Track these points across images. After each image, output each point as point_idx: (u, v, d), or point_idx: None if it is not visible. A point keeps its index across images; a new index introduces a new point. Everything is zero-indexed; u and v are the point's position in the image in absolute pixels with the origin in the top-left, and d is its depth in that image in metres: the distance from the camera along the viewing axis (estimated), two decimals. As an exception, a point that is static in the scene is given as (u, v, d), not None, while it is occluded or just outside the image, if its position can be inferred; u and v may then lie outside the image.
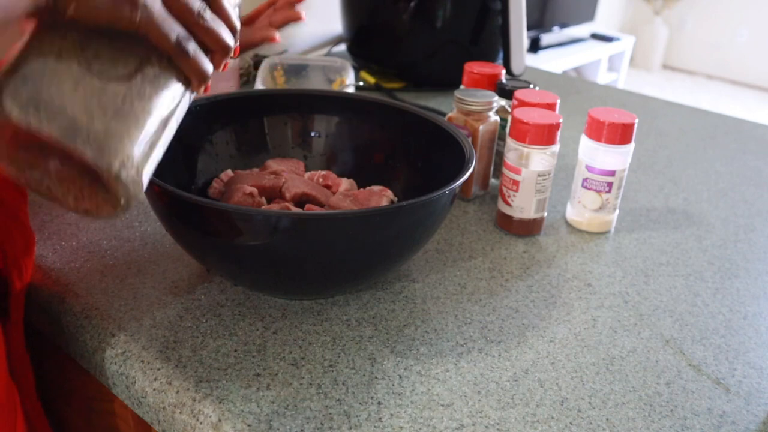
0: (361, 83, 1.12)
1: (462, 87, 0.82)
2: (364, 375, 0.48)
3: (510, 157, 0.68)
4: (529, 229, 0.69)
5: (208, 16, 0.42)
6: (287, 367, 0.48)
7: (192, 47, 0.42)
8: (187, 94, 0.43)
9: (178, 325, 0.52)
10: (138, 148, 0.40)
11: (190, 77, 0.43)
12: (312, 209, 0.60)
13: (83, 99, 0.38)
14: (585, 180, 0.69)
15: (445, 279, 0.61)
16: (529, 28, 2.64)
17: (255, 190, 0.59)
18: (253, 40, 0.76)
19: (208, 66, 0.43)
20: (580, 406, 0.47)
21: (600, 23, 4.14)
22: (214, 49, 0.43)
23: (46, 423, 0.60)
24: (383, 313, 0.55)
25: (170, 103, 0.42)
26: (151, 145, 0.41)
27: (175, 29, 0.41)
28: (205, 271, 0.59)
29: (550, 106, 0.70)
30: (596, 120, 0.67)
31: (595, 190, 0.69)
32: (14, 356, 0.56)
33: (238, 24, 0.45)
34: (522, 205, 0.68)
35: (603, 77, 3.31)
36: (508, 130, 0.68)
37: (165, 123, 0.42)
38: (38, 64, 0.38)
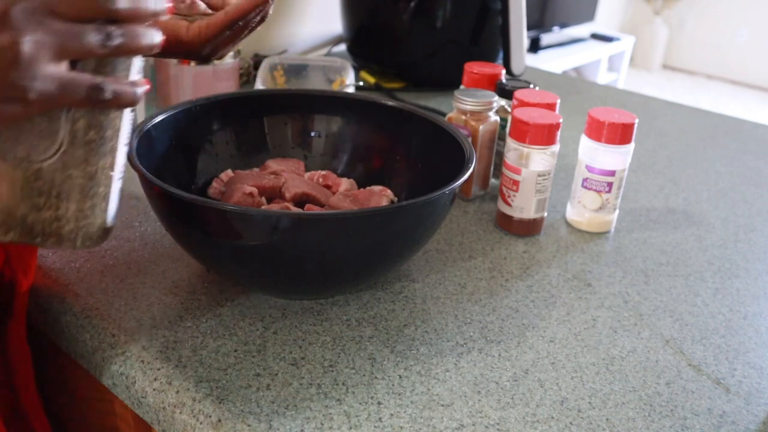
0: (361, 83, 1.12)
1: (462, 87, 0.82)
2: (364, 375, 0.48)
3: (510, 157, 0.68)
4: (529, 229, 0.69)
5: (116, 35, 0.37)
6: (287, 367, 0.48)
7: (108, 90, 0.38)
8: (126, 111, 0.41)
9: (178, 325, 0.52)
10: (92, 213, 0.40)
11: (120, 109, 0.40)
12: (312, 209, 0.60)
13: (22, 194, 0.39)
14: (585, 180, 0.69)
15: (445, 279, 0.61)
16: (529, 28, 2.64)
17: (255, 190, 0.59)
18: (245, 9, 0.58)
19: (135, 91, 0.39)
20: (580, 406, 0.47)
21: (600, 23, 4.14)
22: (140, 54, 0.39)
23: (46, 422, 0.60)
24: (383, 313, 0.55)
25: (109, 143, 0.40)
26: (104, 196, 0.41)
27: (79, 84, 0.37)
28: (205, 271, 0.59)
29: (550, 106, 0.70)
30: (596, 120, 0.67)
31: (595, 190, 0.69)
32: (16, 354, 0.56)
33: (161, 4, 0.39)
34: (522, 205, 0.68)
35: (603, 77, 3.31)
36: (508, 130, 0.68)
37: (112, 164, 0.41)
38: None
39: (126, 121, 0.42)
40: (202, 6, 0.58)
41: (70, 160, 0.39)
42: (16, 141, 0.38)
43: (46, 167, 0.39)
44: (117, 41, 0.37)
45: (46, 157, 0.39)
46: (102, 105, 0.38)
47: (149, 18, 0.39)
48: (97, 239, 0.41)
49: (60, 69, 0.36)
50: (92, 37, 0.36)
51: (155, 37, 0.39)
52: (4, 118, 0.37)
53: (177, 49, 0.55)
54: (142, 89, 0.40)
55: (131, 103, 0.39)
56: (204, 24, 0.55)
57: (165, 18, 0.40)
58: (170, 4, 0.41)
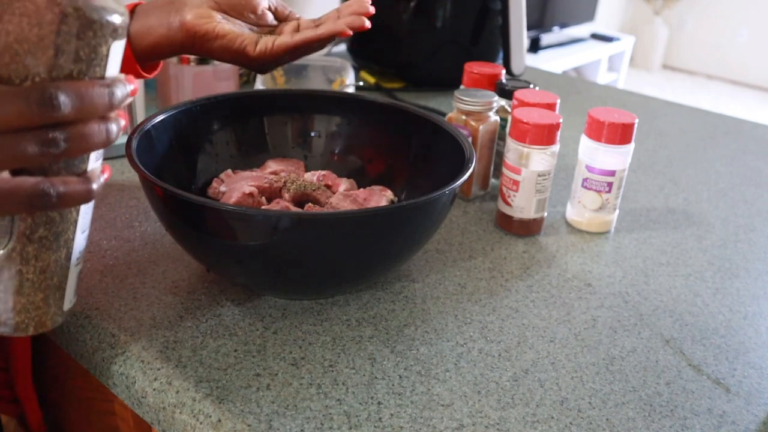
0: (361, 83, 1.12)
1: (462, 87, 0.82)
2: (364, 375, 0.48)
3: (510, 157, 0.68)
4: (529, 229, 0.69)
5: (60, 140, 0.33)
6: (287, 367, 0.48)
7: (53, 195, 0.33)
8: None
9: (178, 325, 0.52)
10: (44, 304, 0.39)
11: (72, 206, 0.36)
12: (312, 209, 0.60)
13: None
14: (585, 180, 0.69)
15: (445, 279, 0.61)
16: (529, 28, 2.64)
17: (255, 190, 0.60)
18: (319, 36, 0.60)
19: (89, 189, 0.35)
20: (580, 406, 0.47)
21: (600, 23, 4.14)
22: (95, 149, 0.35)
23: (38, 411, 0.61)
24: (383, 313, 0.55)
25: (63, 236, 0.38)
26: (58, 287, 0.39)
27: (18, 194, 0.32)
28: (205, 271, 0.59)
29: (550, 106, 0.70)
30: (596, 120, 0.67)
31: (595, 190, 0.69)
32: (17, 342, 0.57)
33: (119, 93, 0.35)
34: (522, 205, 0.68)
35: (603, 77, 3.31)
36: (508, 130, 0.68)
37: (67, 255, 0.39)
38: None
39: (84, 209, 0.39)
40: (270, 17, 0.62)
41: (18, 257, 0.37)
42: None
43: None
44: (62, 147, 0.33)
45: None
46: (49, 209, 0.34)
47: (105, 113, 0.35)
48: (52, 324, 0.40)
49: None
50: (30, 149, 0.32)
51: (112, 132, 0.35)
52: None
53: (239, 61, 0.59)
54: (99, 182, 0.36)
55: (84, 201, 0.35)
56: (270, 44, 0.59)
57: (129, 101, 0.36)
58: (134, 86, 0.37)
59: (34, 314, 0.39)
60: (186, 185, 0.62)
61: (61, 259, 0.39)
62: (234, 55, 0.59)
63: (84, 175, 0.36)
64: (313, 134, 0.69)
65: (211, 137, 0.65)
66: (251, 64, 0.60)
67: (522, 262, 0.64)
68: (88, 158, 0.37)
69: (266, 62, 0.59)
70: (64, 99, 0.32)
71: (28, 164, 0.33)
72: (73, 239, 0.39)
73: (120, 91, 0.35)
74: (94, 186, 0.36)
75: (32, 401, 0.61)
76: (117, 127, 0.35)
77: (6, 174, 0.33)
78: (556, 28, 3.08)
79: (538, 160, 0.66)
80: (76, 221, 0.39)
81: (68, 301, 0.41)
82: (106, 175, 0.38)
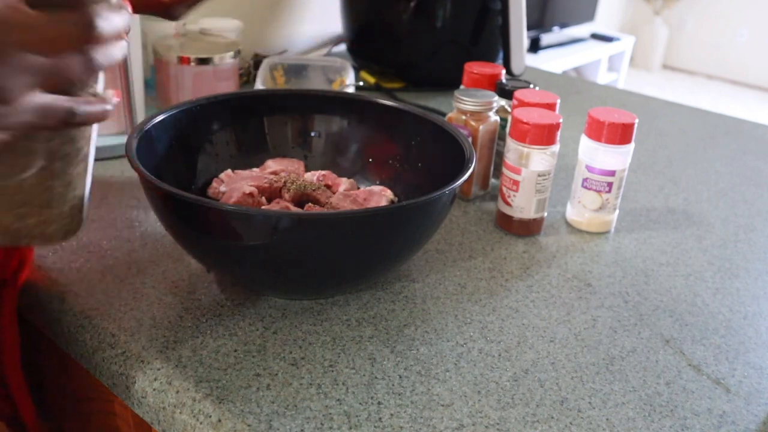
0: (361, 83, 1.12)
1: (462, 87, 0.82)
2: (364, 375, 0.48)
3: (510, 157, 0.68)
4: (529, 229, 0.69)
5: (97, 59, 0.36)
6: (287, 367, 0.48)
7: (80, 113, 0.37)
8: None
9: (178, 325, 0.52)
10: (70, 213, 0.43)
11: (92, 124, 0.40)
12: (312, 209, 0.60)
13: (5, 206, 0.40)
14: (585, 180, 0.69)
15: (445, 279, 0.61)
16: (529, 28, 2.64)
17: (255, 190, 0.60)
18: None
19: (105, 108, 0.39)
20: (580, 406, 0.47)
21: (600, 23, 4.14)
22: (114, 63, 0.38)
23: (32, 407, 0.61)
24: (383, 313, 0.55)
25: (83, 151, 0.42)
26: (81, 196, 0.43)
27: (56, 111, 0.36)
28: (205, 271, 0.59)
29: (550, 106, 0.70)
30: (596, 120, 0.67)
31: (595, 190, 0.69)
32: (7, 337, 0.57)
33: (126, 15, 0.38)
34: (522, 205, 0.68)
35: (603, 77, 3.31)
36: (508, 130, 0.68)
37: (86, 167, 0.43)
38: None
39: (95, 127, 0.43)
40: None
41: (49, 174, 0.40)
42: None
43: (26, 182, 0.40)
44: (98, 64, 0.36)
45: (26, 175, 0.40)
46: (75, 126, 0.38)
47: (122, 32, 0.38)
48: (78, 230, 0.44)
49: (37, 99, 0.35)
50: (76, 68, 0.35)
51: (124, 47, 0.39)
52: None
53: (153, 10, 0.59)
54: (113, 104, 0.40)
55: (103, 119, 0.39)
56: None
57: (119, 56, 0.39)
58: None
59: (62, 223, 0.43)
60: (186, 185, 0.62)
61: (81, 171, 0.43)
62: (148, 4, 0.59)
63: (101, 96, 0.39)
64: (313, 134, 0.69)
65: (211, 137, 0.65)
66: (164, 10, 0.60)
67: (522, 262, 0.64)
68: (100, 80, 0.41)
69: (179, 4, 0.59)
70: (101, 22, 0.36)
71: (69, 84, 0.37)
72: (89, 153, 0.43)
73: (126, 15, 0.38)
74: (109, 106, 0.39)
75: (24, 396, 0.61)
76: (126, 46, 0.39)
77: (41, 95, 0.36)
78: (556, 28, 3.08)
79: (538, 160, 0.66)
80: (90, 137, 0.42)
81: (86, 208, 0.44)
82: (117, 99, 0.41)
